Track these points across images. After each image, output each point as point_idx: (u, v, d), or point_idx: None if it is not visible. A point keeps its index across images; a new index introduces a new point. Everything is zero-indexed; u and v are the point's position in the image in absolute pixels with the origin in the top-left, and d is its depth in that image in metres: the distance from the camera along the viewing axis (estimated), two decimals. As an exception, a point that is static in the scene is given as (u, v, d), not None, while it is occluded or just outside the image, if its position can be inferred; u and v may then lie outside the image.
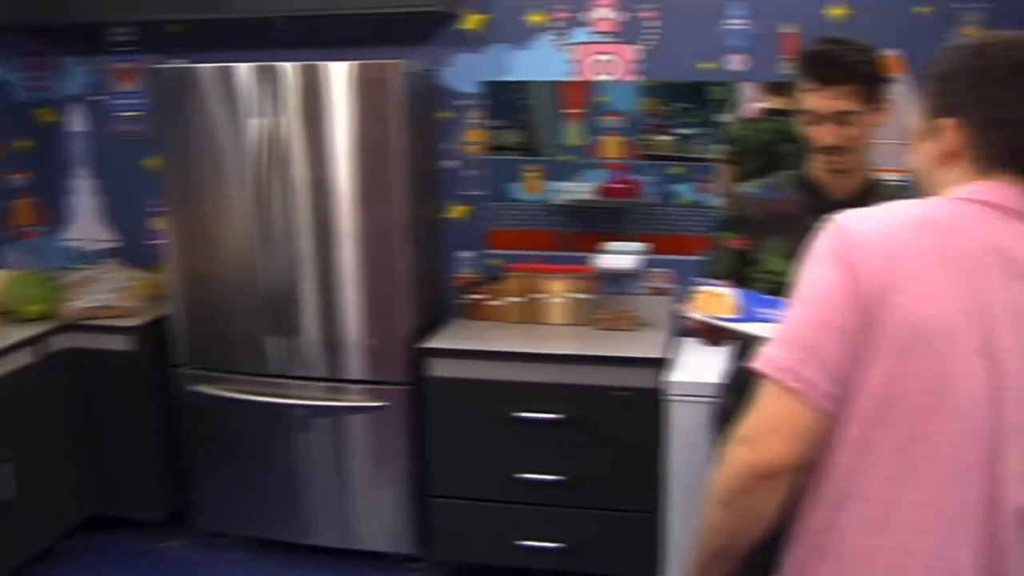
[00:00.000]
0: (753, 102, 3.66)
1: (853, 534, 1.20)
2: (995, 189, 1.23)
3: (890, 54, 3.04)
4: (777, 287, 1.30)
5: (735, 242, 2.20)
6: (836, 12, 3.19)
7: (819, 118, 1.98)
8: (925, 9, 3.13)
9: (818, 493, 1.24)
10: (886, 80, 2.02)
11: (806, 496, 1.25)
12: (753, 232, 2.17)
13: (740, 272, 2.14)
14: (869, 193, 2.05)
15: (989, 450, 1.16)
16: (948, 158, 1.27)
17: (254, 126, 3.10)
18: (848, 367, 1.18)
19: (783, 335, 1.23)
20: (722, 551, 1.30)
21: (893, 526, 1.18)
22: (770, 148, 3.44)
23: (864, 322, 1.18)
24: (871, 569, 1.20)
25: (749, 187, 2.26)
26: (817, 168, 2.09)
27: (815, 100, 1.98)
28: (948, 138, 1.26)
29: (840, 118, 1.97)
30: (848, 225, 1.24)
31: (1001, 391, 1.16)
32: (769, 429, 1.20)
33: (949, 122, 1.25)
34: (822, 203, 1.96)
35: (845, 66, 1.95)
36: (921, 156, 1.32)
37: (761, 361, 1.22)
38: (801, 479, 1.22)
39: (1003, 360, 1.17)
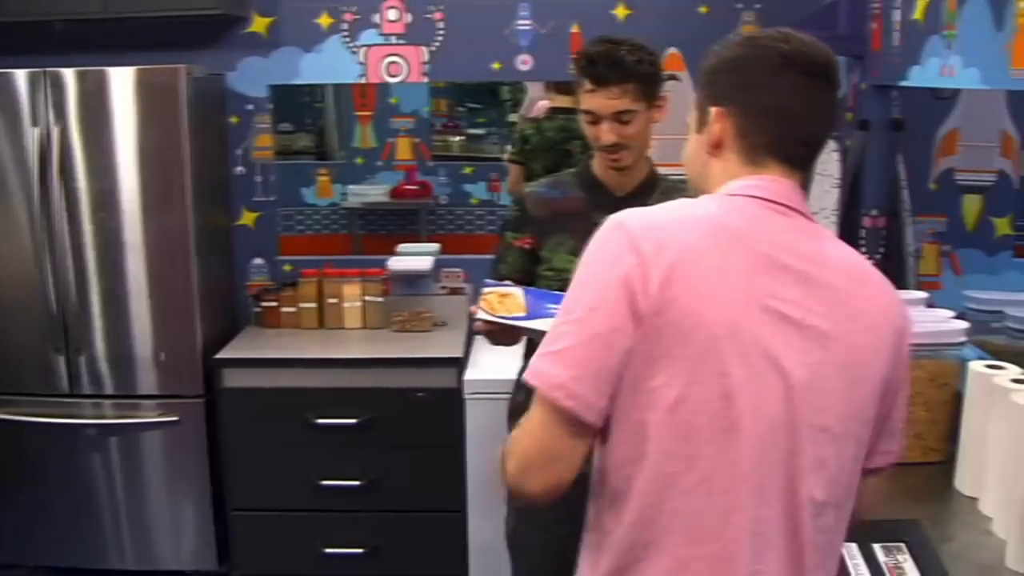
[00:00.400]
0: (541, 101, 4.20)
1: (664, 547, 1.33)
2: (769, 184, 1.40)
3: (672, 52, 3.73)
4: (564, 284, 1.41)
5: (521, 241, 2.55)
6: (620, 12, 3.77)
7: (598, 117, 2.34)
8: (705, 9, 3.75)
9: (623, 509, 1.35)
10: (662, 78, 2.42)
11: (610, 514, 1.37)
12: (538, 231, 2.52)
13: (530, 271, 2.50)
14: (651, 188, 2.48)
15: (787, 449, 1.31)
16: (715, 148, 1.43)
17: (33, 135, 3.49)
18: (631, 378, 1.30)
19: (556, 345, 1.32)
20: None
21: (704, 536, 1.31)
22: (557, 146, 4.02)
23: (646, 330, 1.28)
24: None
25: (532, 186, 2.64)
26: (600, 165, 2.48)
27: (594, 100, 2.33)
28: (715, 127, 1.42)
29: (619, 117, 2.33)
30: (626, 224, 1.35)
31: (790, 390, 1.31)
32: (541, 461, 1.33)
33: (716, 111, 1.42)
34: (606, 200, 2.38)
35: (621, 66, 2.29)
36: (692, 148, 1.49)
37: (533, 374, 1.33)
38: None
39: (789, 361, 1.31)
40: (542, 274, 2.49)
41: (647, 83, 2.35)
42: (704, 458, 1.30)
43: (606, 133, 2.34)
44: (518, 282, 2.20)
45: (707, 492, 1.30)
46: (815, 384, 1.33)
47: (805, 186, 1.49)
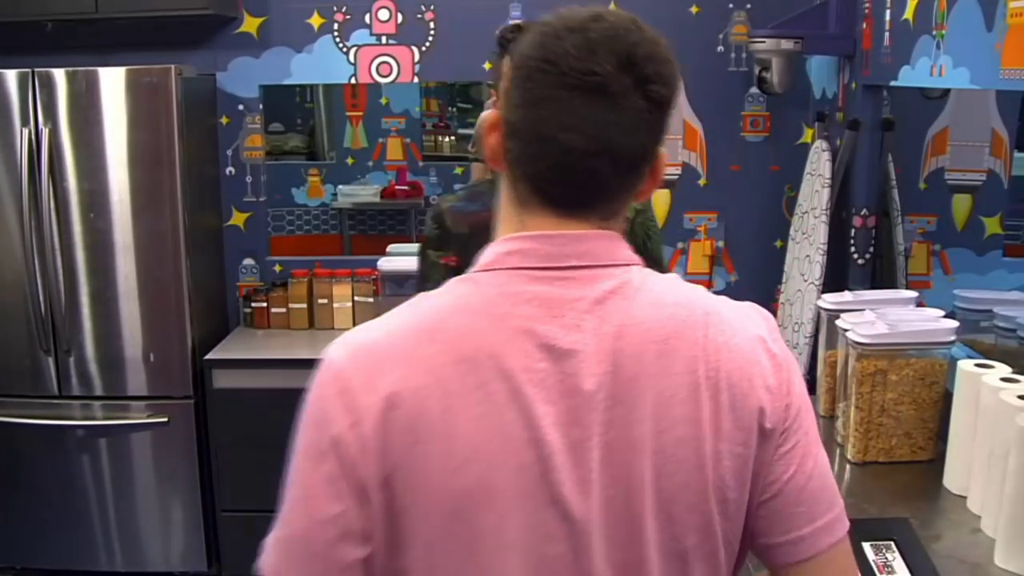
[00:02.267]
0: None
1: None
2: (522, 242, 1.08)
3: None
4: None
5: (447, 259, 2.41)
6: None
7: None
8: (697, 9, 3.77)
9: None
10: None
11: None
12: (462, 247, 2.34)
13: None
14: None
15: None
16: (494, 163, 1.13)
17: (23, 135, 3.48)
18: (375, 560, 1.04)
19: (280, 532, 1.11)
20: None
21: None
22: None
23: (374, 505, 1.03)
24: None
25: (449, 201, 2.52)
26: None
27: None
28: (490, 138, 1.13)
29: None
30: (335, 368, 1.11)
31: (581, 538, 1.03)
32: None
33: (492, 116, 1.14)
34: None
35: None
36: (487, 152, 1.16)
37: (263, 565, 1.10)
38: None
39: (575, 502, 1.02)
40: None
41: None
42: None
43: None
44: None
45: None
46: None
47: (608, 224, 1.11)
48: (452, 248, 2.40)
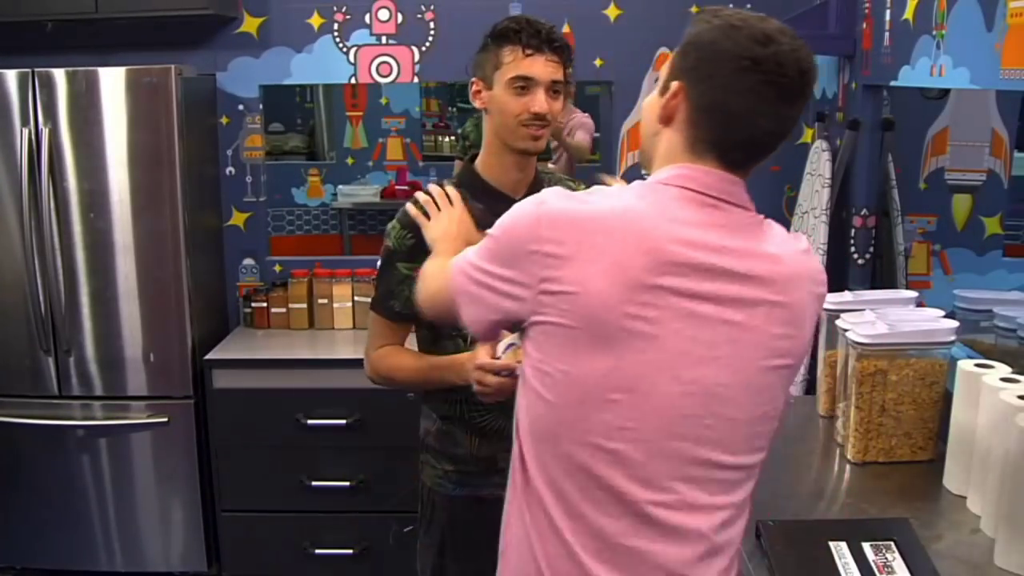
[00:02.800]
0: None
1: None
2: (702, 176, 1.42)
3: (663, 52, 3.88)
4: None
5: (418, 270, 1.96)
6: (611, 12, 3.81)
7: (534, 85, 2.12)
8: (696, 9, 3.76)
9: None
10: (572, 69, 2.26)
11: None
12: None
13: None
14: (540, 184, 2.24)
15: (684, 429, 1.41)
16: (667, 119, 1.44)
17: (23, 135, 3.49)
18: None
19: None
20: None
21: None
22: None
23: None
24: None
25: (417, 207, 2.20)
26: (491, 164, 2.25)
27: (532, 66, 2.11)
28: (671, 102, 1.42)
29: (553, 87, 2.15)
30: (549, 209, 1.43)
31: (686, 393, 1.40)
32: None
33: (677, 85, 1.42)
34: (505, 205, 1.68)
35: (558, 37, 2.15)
36: (650, 107, 1.50)
37: None
38: None
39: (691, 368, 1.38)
40: None
41: (567, 66, 2.20)
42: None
43: (540, 103, 2.12)
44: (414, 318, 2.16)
45: None
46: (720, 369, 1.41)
47: (745, 180, 1.49)
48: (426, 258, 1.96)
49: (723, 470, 1.44)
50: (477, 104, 2.26)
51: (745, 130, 1.41)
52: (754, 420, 1.45)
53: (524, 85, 2.12)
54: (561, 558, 1.43)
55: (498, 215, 1.53)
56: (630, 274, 1.34)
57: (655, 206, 1.40)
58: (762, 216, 1.48)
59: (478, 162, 2.28)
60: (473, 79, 2.25)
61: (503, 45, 2.14)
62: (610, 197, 1.44)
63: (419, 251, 2.06)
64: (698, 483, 1.42)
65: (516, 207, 1.46)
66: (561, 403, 1.40)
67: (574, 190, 1.57)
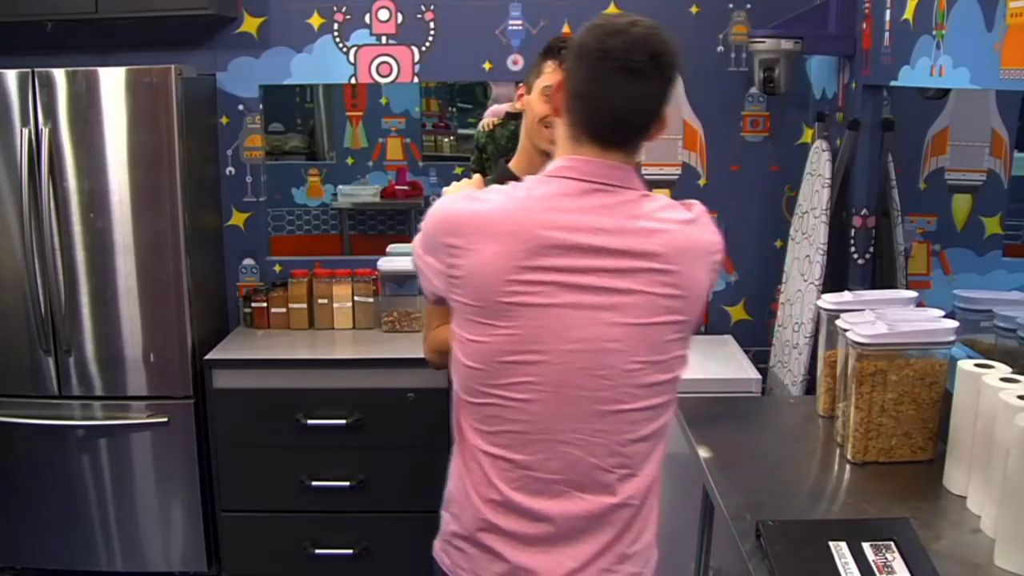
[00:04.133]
0: (494, 106, 4.19)
1: None
2: (582, 164, 1.68)
3: None
4: None
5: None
6: (612, 12, 3.78)
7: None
8: (697, 9, 3.77)
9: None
10: None
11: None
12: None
13: None
14: None
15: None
16: (555, 111, 1.74)
17: (23, 135, 3.49)
18: None
19: None
20: None
21: None
22: (511, 153, 4.02)
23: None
24: None
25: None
26: (526, 162, 2.50)
27: (552, 77, 2.38)
28: (555, 94, 1.73)
29: None
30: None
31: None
32: None
33: (558, 80, 1.73)
34: None
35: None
36: (536, 106, 1.90)
37: None
38: None
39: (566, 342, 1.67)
40: None
41: None
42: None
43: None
44: None
45: None
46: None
47: (634, 157, 1.73)
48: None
49: (624, 412, 1.69)
50: (519, 106, 2.55)
51: (606, 112, 1.66)
52: (650, 367, 1.69)
53: (551, 93, 2.26)
54: (483, 484, 1.74)
55: None
56: (512, 260, 1.62)
57: (538, 200, 1.67)
58: (647, 192, 1.72)
59: (512, 162, 2.56)
60: (520, 83, 2.56)
61: (547, 59, 2.44)
62: (502, 195, 1.70)
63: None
64: (601, 420, 1.69)
65: (435, 204, 1.76)
66: (477, 365, 1.69)
67: None
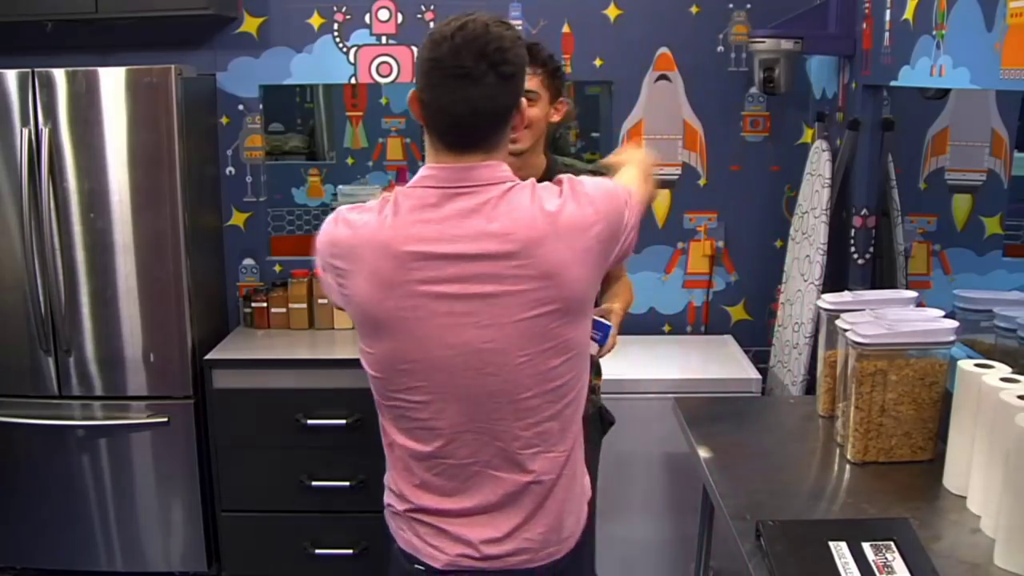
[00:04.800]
0: None
1: None
2: (438, 172, 1.72)
3: (663, 52, 3.88)
4: None
5: None
6: (611, 12, 3.82)
7: None
8: (696, 9, 3.77)
9: None
10: (565, 82, 2.64)
11: None
12: None
13: None
14: (549, 175, 2.62)
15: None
16: (420, 122, 1.76)
17: (23, 135, 3.49)
18: None
19: None
20: None
21: None
22: None
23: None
24: None
25: None
26: None
27: None
28: (412, 107, 1.77)
29: (525, 95, 2.50)
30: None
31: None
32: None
33: (412, 93, 1.75)
34: None
35: (534, 53, 2.39)
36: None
37: None
38: None
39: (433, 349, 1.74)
40: None
41: (554, 77, 2.53)
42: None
43: None
44: None
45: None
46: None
47: (499, 153, 1.76)
48: None
49: (521, 400, 1.76)
50: None
51: (447, 118, 1.70)
52: (539, 355, 1.74)
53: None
54: (404, 470, 1.86)
55: None
56: (383, 276, 1.69)
57: (402, 215, 1.71)
58: (507, 186, 1.73)
59: None
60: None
61: None
62: (372, 213, 1.74)
63: None
64: (500, 411, 1.76)
65: (324, 223, 1.81)
66: (376, 373, 1.80)
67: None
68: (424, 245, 1.68)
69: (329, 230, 1.79)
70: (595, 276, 1.80)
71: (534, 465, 1.81)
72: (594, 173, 2.58)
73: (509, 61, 1.68)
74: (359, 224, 1.74)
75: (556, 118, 2.58)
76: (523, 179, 2.50)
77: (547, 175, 2.46)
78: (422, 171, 1.74)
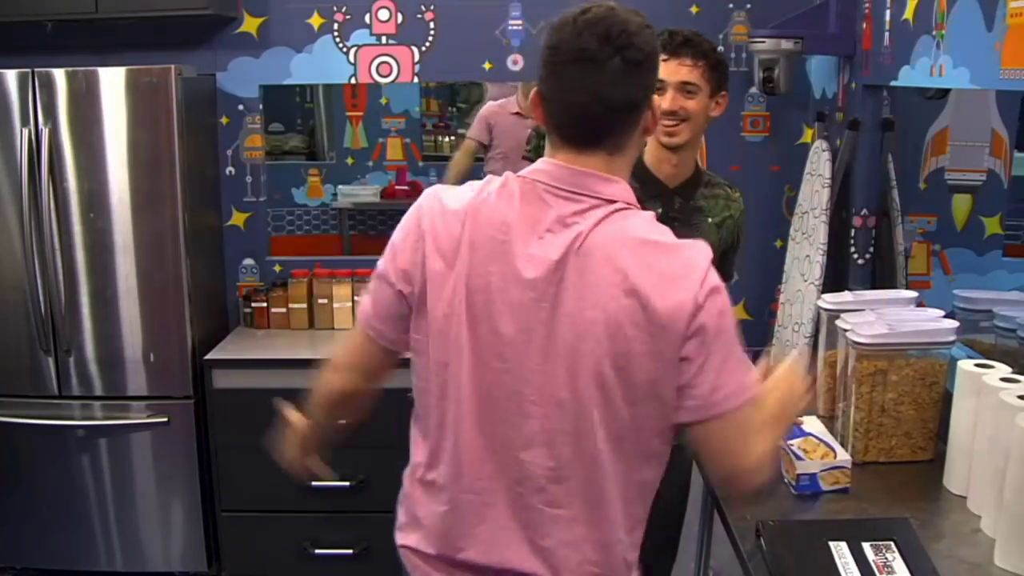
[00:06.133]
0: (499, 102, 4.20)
1: None
2: (552, 169, 1.57)
3: None
4: None
5: None
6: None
7: (664, 86, 2.44)
8: (697, 9, 3.78)
9: None
10: (727, 76, 2.56)
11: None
12: None
13: None
14: (697, 183, 2.65)
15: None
16: (540, 122, 1.62)
17: (23, 135, 3.49)
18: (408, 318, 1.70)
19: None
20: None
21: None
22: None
23: (413, 288, 1.65)
24: None
25: None
26: (652, 153, 2.58)
27: (663, 69, 2.39)
28: (533, 100, 1.61)
29: (684, 87, 2.46)
30: (430, 196, 1.66)
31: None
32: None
33: (535, 90, 1.60)
34: (657, 190, 2.54)
35: (698, 44, 2.47)
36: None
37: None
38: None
39: (500, 344, 1.57)
40: None
41: (715, 70, 2.49)
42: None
43: (669, 101, 2.44)
44: None
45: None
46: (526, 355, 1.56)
47: (619, 161, 1.59)
48: None
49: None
50: None
51: (565, 108, 1.55)
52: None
53: (660, 86, 2.40)
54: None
55: (649, 196, 2.31)
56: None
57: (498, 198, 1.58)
58: (625, 206, 1.56)
59: (644, 151, 2.57)
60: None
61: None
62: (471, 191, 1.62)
63: None
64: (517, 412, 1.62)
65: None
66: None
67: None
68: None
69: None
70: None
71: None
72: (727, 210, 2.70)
73: (636, 46, 1.51)
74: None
75: (717, 112, 2.55)
76: (676, 177, 2.59)
77: (692, 181, 2.64)
78: (538, 162, 1.60)
